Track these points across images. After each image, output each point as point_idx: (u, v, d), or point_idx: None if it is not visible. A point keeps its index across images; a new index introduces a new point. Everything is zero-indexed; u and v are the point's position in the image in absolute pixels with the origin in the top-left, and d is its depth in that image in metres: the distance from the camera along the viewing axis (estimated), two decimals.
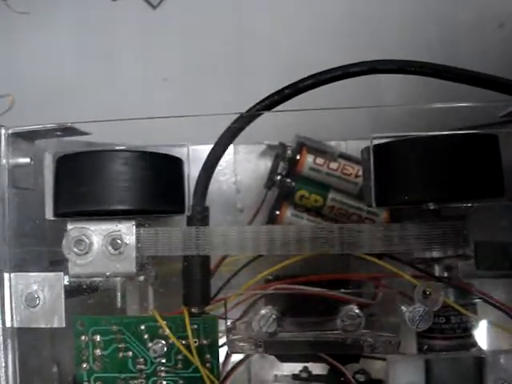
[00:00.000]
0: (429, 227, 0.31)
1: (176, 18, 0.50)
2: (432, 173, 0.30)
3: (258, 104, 0.32)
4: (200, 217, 0.34)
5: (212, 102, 0.48)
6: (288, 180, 0.40)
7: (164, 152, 0.34)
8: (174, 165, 0.34)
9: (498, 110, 0.33)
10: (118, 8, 0.50)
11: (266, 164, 0.44)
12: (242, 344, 0.33)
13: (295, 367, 0.41)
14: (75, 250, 0.33)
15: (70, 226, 0.33)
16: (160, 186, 0.33)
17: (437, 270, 0.33)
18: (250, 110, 0.32)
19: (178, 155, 0.34)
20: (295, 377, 0.40)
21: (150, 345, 0.33)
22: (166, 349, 0.33)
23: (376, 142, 0.32)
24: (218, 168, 0.43)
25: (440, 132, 0.31)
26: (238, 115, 0.32)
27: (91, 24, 0.50)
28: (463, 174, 0.30)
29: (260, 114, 0.32)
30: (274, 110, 0.32)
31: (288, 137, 0.43)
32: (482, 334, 0.34)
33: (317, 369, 0.40)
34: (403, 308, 0.32)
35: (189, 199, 0.33)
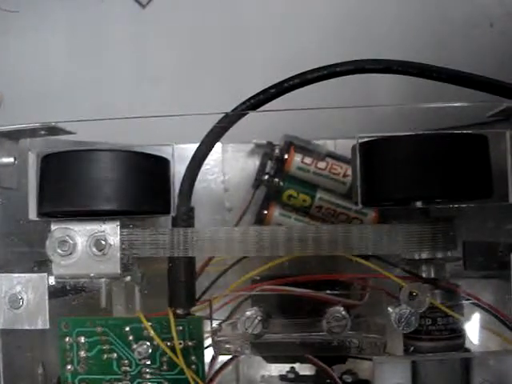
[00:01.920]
0: (416, 228, 0.31)
1: (165, 16, 0.49)
2: (418, 171, 0.30)
3: (243, 103, 0.32)
4: (185, 217, 0.33)
5: (202, 101, 0.48)
6: (276, 179, 0.40)
7: (151, 151, 0.34)
8: (160, 165, 0.33)
9: (485, 110, 0.33)
10: (107, 7, 0.50)
11: (255, 163, 0.43)
12: (227, 346, 0.33)
13: (284, 367, 0.41)
14: (59, 250, 0.32)
15: (53, 227, 0.33)
16: (145, 187, 0.33)
17: (424, 271, 0.33)
18: (235, 109, 0.32)
19: (165, 154, 0.34)
20: (282, 377, 0.40)
21: (134, 346, 0.33)
22: (150, 350, 0.33)
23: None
24: (206, 167, 0.43)
25: (428, 131, 0.31)
26: (223, 115, 0.32)
27: (80, 23, 0.50)
28: (450, 173, 0.30)
29: (245, 114, 0.32)
30: (259, 109, 0.32)
31: (276, 135, 0.43)
32: (469, 335, 0.34)
33: (304, 369, 0.40)
34: (390, 309, 0.32)
35: (174, 200, 0.33)
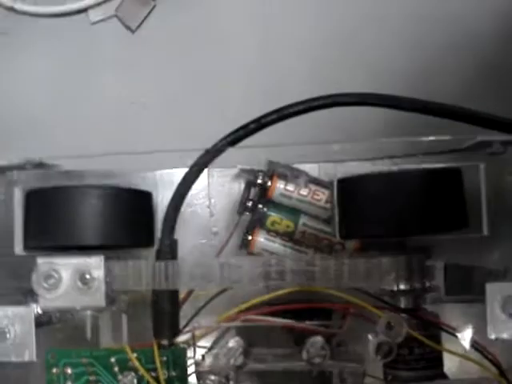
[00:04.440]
0: (392, 261, 0.32)
1: (154, 42, 0.50)
2: (392, 208, 0.30)
3: (223, 139, 0.33)
4: (168, 250, 0.34)
5: (191, 127, 0.49)
6: (260, 206, 0.41)
7: (136, 178, 0.35)
8: (143, 199, 0.34)
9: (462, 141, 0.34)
10: (96, 32, 0.50)
11: (240, 187, 0.44)
12: (211, 376, 0.34)
13: None
14: (44, 284, 0.33)
15: (39, 261, 0.33)
16: (129, 221, 0.34)
17: (402, 302, 0.33)
18: (215, 145, 0.33)
19: (150, 180, 0.34)
20: None
21: (120, 377, 0.34)
22: (136, 381, 0.34)
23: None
24: (193, 192, 0.43)
25: (402, 167, 0.31)
26: (204, 151, 0.32)
27: (68, 47, 0.50)
28: (424, 209, 0.31)
29: (224, 150, 0.32)
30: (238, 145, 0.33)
31: (261, 159, 0.43)
32: (447, 364, 0.34)
33: None
34: (370, 337, 0.33)
35: (156, 232, 0.34)
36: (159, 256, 0.34)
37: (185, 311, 0.37)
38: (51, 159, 0.36)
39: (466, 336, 0.33)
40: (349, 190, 0.31)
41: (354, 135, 0.45)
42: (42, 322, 0.34)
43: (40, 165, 0.34)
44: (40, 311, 0.34)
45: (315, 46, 0.48)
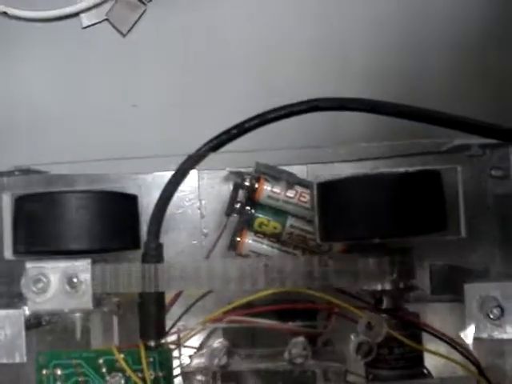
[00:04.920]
0: (372, 261, 0.32)
1: (145, 45, 0.50)
2: (372, 211, 0.31)
3: (205, 144, 0.33)
4: (154, 253, 0.35)
5: (183, 129, 0.49)
6: (247, 208, 0.41)
7: (125, 180, 0.36)
8: (128, 202, 0.35)
9: (442, 144, 0.35)
10: (87, 36, 0.51)
11: (229, 189, 0.45)
12: (198, 377, 0.34)
13: None
14: (33, 288, 0.34)
15: (28, 265, 0.34)
16: (115, 225, 0.34)
17: (384, 302, 0.34)
18: (198, 150, 0.33)
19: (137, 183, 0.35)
20: None
21: (108, 378, 0.35)
22: (123, 381, 0.35)
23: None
24: (183, 193, 0.44)
25: (382, 170, 0.32)
26: (187, 156, 0.33)
27: (59, 51, 0.51)
28: (402, 212, 0.31)
29: (207, 155, 0.33)
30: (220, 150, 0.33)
31: (250, 160, 0.44)
32: (431, 362, 0.35)
33: None
34: (352, 337, 0.33)
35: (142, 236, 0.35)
36: (145, 259, 0.34)
37: (173, 312, 0.38)
38: (40, 165, 0.36)
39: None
40: (328, 192, 0.32)
41: (336, 140, 0.45)
42: (31, 324, 0.35)
43: (28, 171, 0.35)
44: (29, 314, 0.35)
45: (312, 46, 0.48)
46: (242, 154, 0.40)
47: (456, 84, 0.46)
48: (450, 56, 0.47)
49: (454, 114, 0.32)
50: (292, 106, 0.33)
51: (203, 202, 0.46)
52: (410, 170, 0.32)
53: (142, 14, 0.50)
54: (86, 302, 0.34)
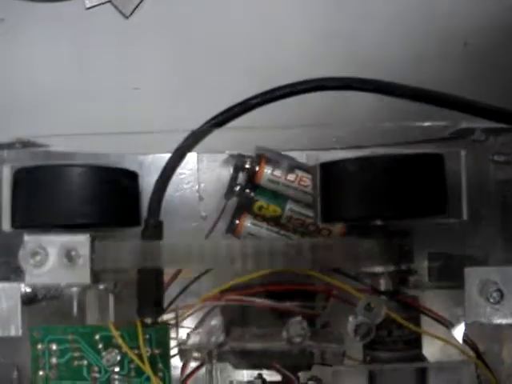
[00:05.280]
0: (373, 244, 0.32)
1: (148, 27, 0.50)
2: (373, 191, 0.31)
3: (209, 121, 0.33)
4: (154, 231, 0.34)
5: (186, 111, 0.49)
6: (247, 190, 0.41)
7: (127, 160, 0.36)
8: (129, 179, 0.35)
9: (446, 128, 0.34)
10: (90, 17, 0.50)
11: (229, 172, 0.44)
12: (195, 354, 0.34)
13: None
14: (31, 261, 0.34)
15: (26, 238, 0.34)
16: (115, 200, 0.34)
17: (382, 284, 0.34)
18: (201, 126, 0.33)
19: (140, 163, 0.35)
20: None
21: (103, 353, 0.34)
22: (119, 358, 0.34)
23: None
24: (182, 176, 0.44)
25: (385, 151, 0.32)
26: (190, 132, 0.33)
27: (63, 32, 0.50)
28: (403, 193, 0.31)
29: (211, 131, 0.33)
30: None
31: (250, 145, 0.44)
32: (429, 347, 0.35)
33: (272, 376, 0.41)
34: (350, 319, 0.33)
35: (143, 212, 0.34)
36: (144, 236, 0.34)
37: (171, 294, 0.37)
38: (41, 138, 0.36)
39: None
40: (331, 173, 0.32)
41: (340, 121, 0.45)
42: (27, 299, 0.34)
43: (29, 144, 0.35)
44: (26, 289, 0.34)
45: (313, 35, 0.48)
46: (243, 141, 0.40)
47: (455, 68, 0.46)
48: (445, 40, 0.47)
49: (462, 97, 0.32)
50: (295, 84, 0.33)
51: (202, 184, 0.45)
52: (413, 152, 0.32)
53: None
54: (84, 276, 0.34)
